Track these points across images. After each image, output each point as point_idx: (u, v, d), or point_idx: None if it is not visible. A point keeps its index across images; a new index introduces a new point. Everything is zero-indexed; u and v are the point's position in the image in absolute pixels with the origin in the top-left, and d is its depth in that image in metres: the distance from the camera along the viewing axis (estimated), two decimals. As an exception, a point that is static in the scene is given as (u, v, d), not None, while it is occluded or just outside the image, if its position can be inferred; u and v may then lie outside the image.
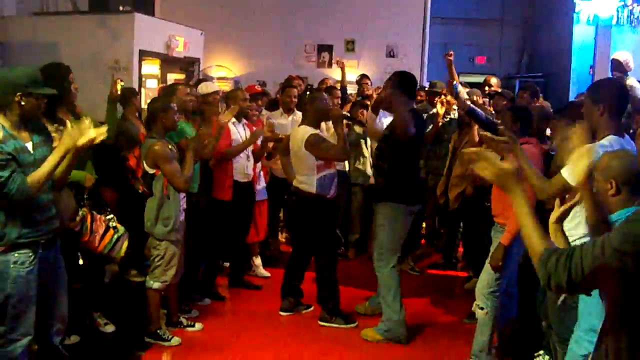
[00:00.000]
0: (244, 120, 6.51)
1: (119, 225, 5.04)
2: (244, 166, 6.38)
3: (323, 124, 6.15)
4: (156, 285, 5.21)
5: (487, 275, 4.79)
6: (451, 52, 6.97)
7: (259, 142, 6.50)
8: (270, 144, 6.71)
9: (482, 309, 4.81)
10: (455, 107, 7.36)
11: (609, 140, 3.71)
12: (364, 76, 9.48)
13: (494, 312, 4.80)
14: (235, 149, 6.22)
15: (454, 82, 6.28)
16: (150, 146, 5.01)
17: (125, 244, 5.01)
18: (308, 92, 6.00)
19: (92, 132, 3.69)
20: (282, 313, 6.03)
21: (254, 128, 6.73)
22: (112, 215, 5.08)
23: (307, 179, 5.63)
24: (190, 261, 5.72)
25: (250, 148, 6.41)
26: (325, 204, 5.68)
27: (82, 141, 3.66)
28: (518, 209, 2.46)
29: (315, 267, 5.92)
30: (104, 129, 3.77)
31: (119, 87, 5.93)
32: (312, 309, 6.12)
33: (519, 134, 4.55)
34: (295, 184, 5.74)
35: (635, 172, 2.89)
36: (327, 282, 5.82)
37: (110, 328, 5.47)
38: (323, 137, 5.71)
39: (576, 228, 3.83)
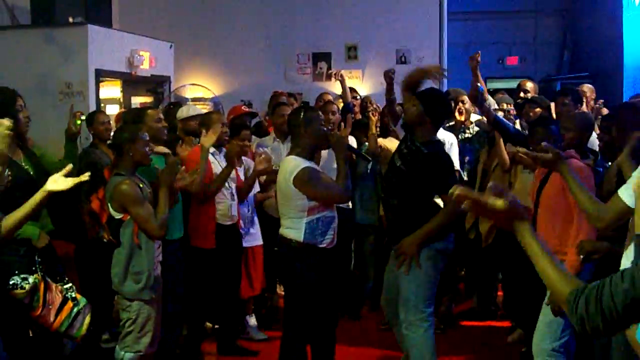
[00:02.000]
0: (224, 150, 6.51)
1: (79, 296, 4.95)
2: (229, 206, 6.38)
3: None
4: (128, 356, 5.14)
5: (546, 326, 4.76)
6: (477, 55, 7.00)
7: (241, 174, 6.50)
8: (262, 178, 6.73)
9: None
10: (474, 118, 7.42)
11: None
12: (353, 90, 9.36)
13: None
14: (216, 181, 6.17)
15: (479, 85, 6.28)
16: (116, 186, 4.97)
17: (88, 319, 4.92)
18: (302, 112, 5.45)
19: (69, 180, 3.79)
20: None
21: (245, 160, 6.74)
22: (70, 284, 5.00)
23: (294, 223, 5.29)
24: (170, 324, 5.69)
25: (234, 185, 6.42)
26: (317, 256, 5.32)
27: (61, 187, 3.74)
28: (529, 251, 2.48)
29: (281, 339, 5.57)
30: (85, 176, 3.86)
31: (78, 122, 5.94)
32: None
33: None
34: (280, 230, 5.43)
35: None
36: (291, 356, 5.45)
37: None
38: (319, 171, 5.38)
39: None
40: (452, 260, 7.36)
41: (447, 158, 5.46)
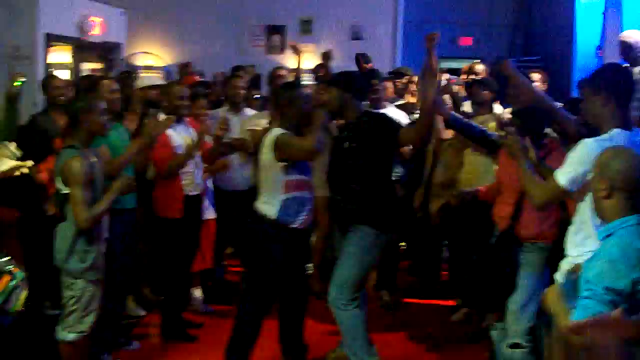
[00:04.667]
0: (186, 119, 6.42)
1: (16, 270, 4.76)
2: (194, 175, 6.34)
3: None
4: (71, 336, 4.93)
5: (525, 307, 4.90)
6: (435, 35, 7.00)
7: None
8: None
9: (523, 347, 4.89)
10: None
11: (610, 135, 3.85)
12: (321, 66, 9.41)
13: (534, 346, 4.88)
14: (180, 156, 6.13)
15: (440, 80, 6.26)
16: (67, 160, 4.76)
17: (24, 294, 4.74)
18: (281, 88, 5.69)
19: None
20: None
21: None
22: (8, 257, 4.81)
23: (270, 199, 5.36)
24: (116, 295, 5.67)
25: (199, 153, 6.36)
26: (288, 235, 5.37)
27: None
28: None
29: (237, 309, 5.63)
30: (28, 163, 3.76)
31: (17, 83, 5.81)
32: None
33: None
34: (256, 203, 5.47)
35: (636, 178, 3.07)
36: (243, 333, 5.49)
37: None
38: (293, 135, 5.39)
39: (583, 244, 3.92)
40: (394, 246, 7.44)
41: (388, 117, 5.56)
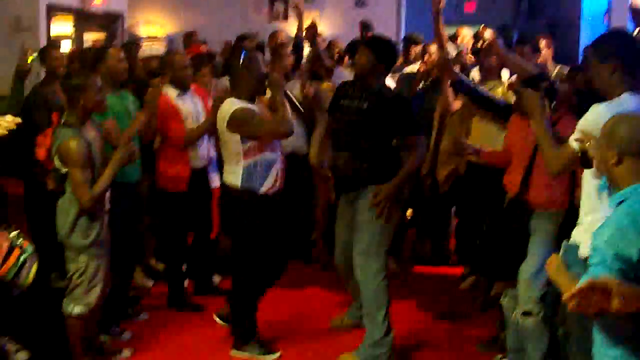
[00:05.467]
0: (192, 88, 6.30)
1: (26, 244, 4.72)
2: (204, 148, 6.29)
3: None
4: (77, 310, 4.94)
5: (537, 275, 4.81)
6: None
7: None
8: None
9: (535, 315, 4.82)
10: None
11: (620, 100, 3.80)
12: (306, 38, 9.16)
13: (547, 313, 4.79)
14: (197, 130, 6.06)
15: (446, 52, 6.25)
16: (65, 142, 4.69)
17: (35, 268, 4.70)
18: (242, 53, 5.43)
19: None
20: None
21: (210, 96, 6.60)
22: (17, 231, 4.77)
23: (232, 168, 5.24)
24: (125, 267, 5.67)
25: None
26: (257, 202, 5.23)
27: None
28: None
29: (232, 280, 5.60)
30: (11, 121, 3.72)
31: (30, 59, 5.73)
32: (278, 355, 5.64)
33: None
34: (223, 176, 5.40)
35: None
36: (242, 302, 5.47)
37: (23, 356, 5.30)
38: (253, 110, 5.20)
39: (595, 210, 3.83)
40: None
41: (409, 100, 5.60)
